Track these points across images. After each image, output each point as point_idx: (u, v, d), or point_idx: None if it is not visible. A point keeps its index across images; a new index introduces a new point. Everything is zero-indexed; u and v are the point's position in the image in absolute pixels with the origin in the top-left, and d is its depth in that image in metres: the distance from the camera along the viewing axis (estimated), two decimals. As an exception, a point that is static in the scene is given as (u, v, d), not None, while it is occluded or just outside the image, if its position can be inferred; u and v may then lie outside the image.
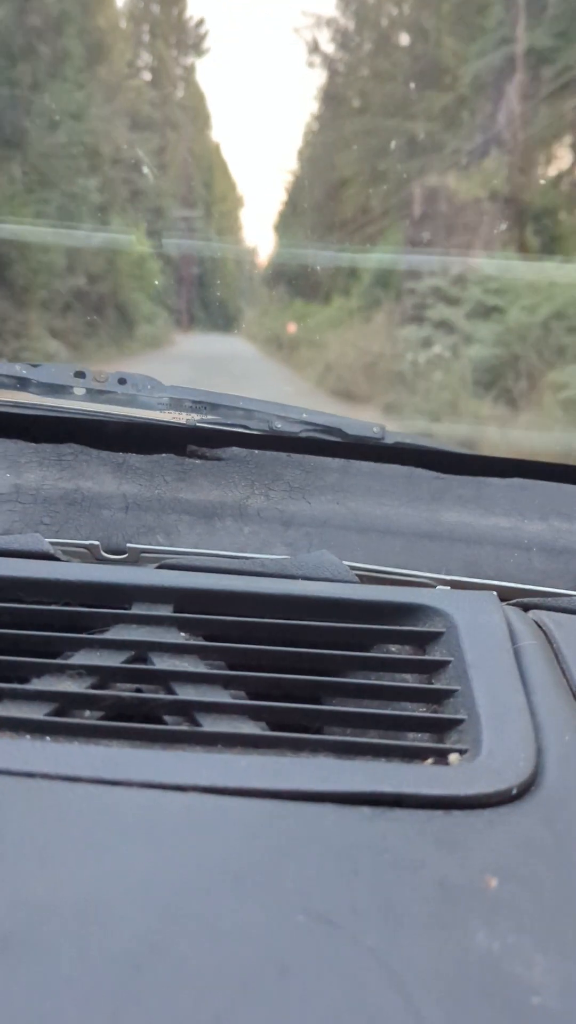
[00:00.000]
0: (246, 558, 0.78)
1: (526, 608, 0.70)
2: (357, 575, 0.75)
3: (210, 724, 0.52)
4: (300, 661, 0.60)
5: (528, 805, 0.45)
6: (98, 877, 0.38)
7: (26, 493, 0.84)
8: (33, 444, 0.88)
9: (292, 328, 13.31)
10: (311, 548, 0.82)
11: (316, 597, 0.66)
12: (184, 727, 0.52)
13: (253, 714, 0.54)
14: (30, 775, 0.44)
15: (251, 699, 0.56)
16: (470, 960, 0.35)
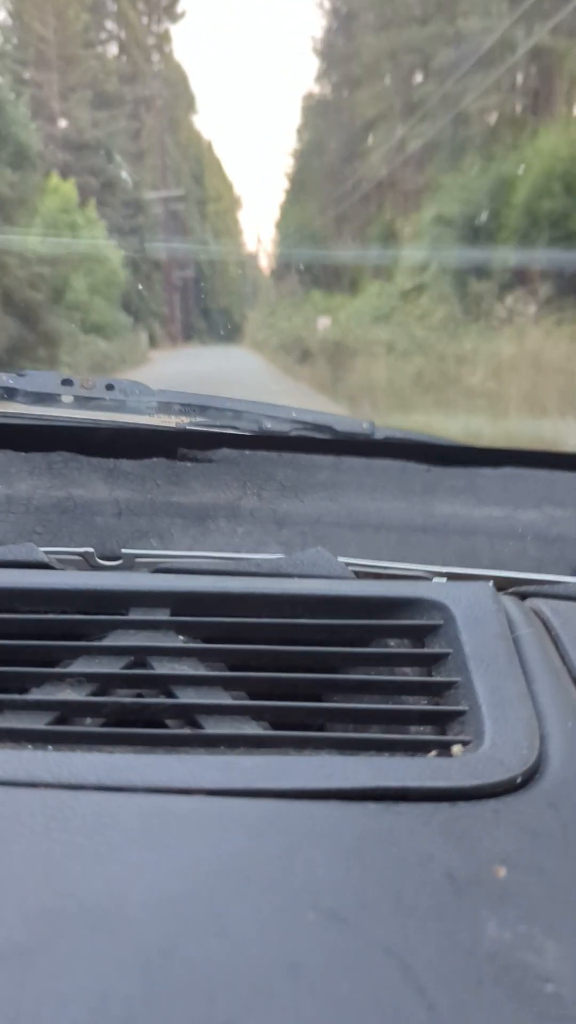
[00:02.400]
0: (241, 559, 0.78)
1: (523, 597, 0.70)
2: (353, 571, 0.75)
3: (212, 726, 0.52)
4: (299, 659, 0.60)
5: (533, 793, 0.45)
6: (106, 884, 0.38)
7: (18, 503, 0.84)
8: (23, 453, 0.88)
9: (325, 325, 10.68)
10: (305, 546, 0.82)
11: (313, 595, 0.66)
12: (186, 730, 0.52)
13: (255, 714, 0.54)
14: (33, 785, 0.44)
15: (252, 699, 0.56)
16: (482, 950, 0.35)
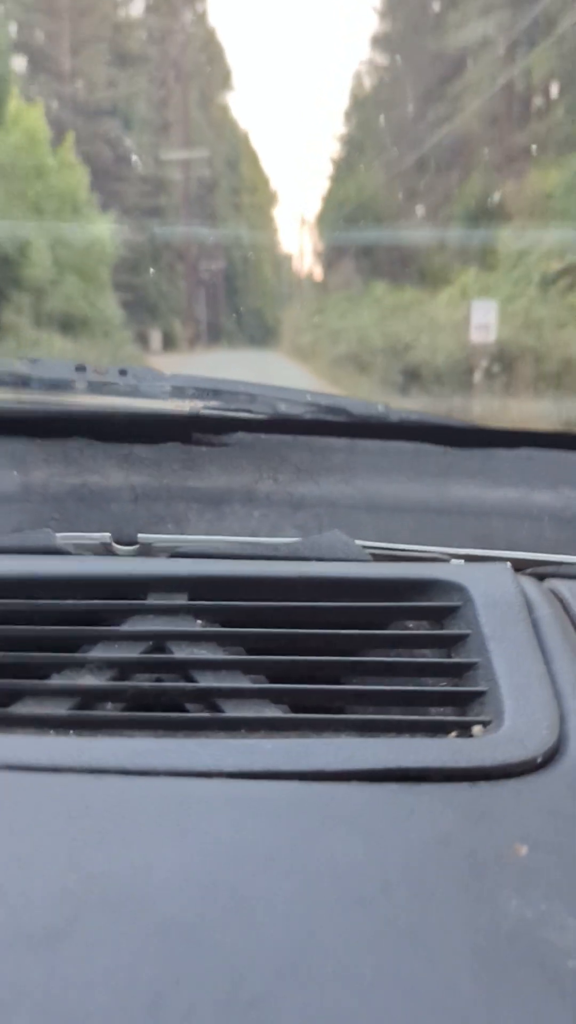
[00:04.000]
0: (258, 542, 0.78)
1: (541, 578, 0.70)
2: (370, 554, 0.75)
3: (232, 710, 0.53)
4: (318, 642, 0.60)
5: (553, 773, 0.45)
6: (129, 867, 0.39)
7: (34, 490, 0.84)
8: (38, 441, 0.88)
9: (487, 318, 5.66)
10: (322, 529, 0.82)
11: (330, 577, 0.66)
12: (206, 714, 0.53)
13: (274, 697, 0.54)
14: (56, 770, 0.45)
15: (271, 683, 0.56)
16: (503, 929, 0.36)
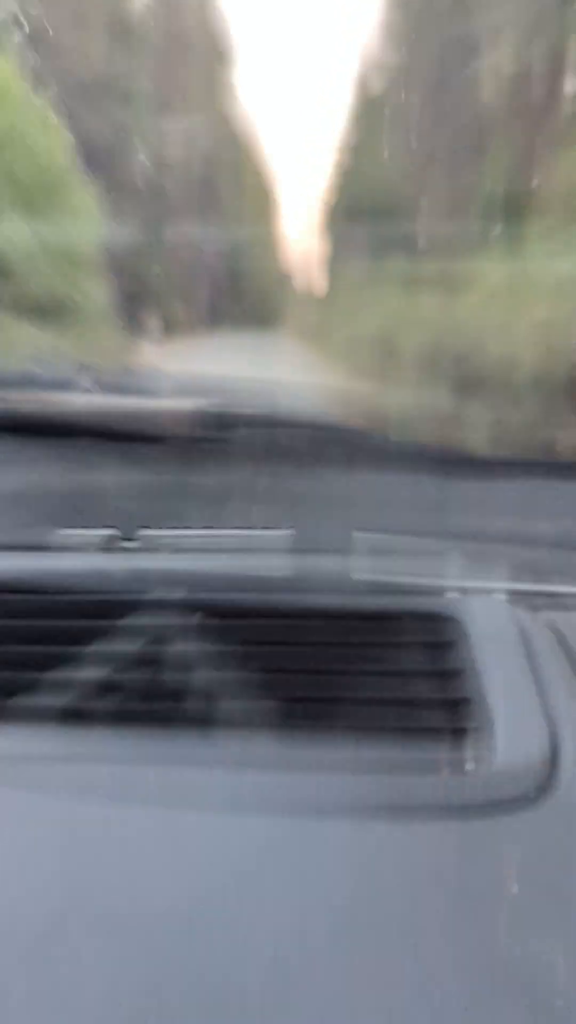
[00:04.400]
0: (257, 537, 0.79)
1: (537, 609, 0.70)
2: (367, 547, 0.75)
3: (229, 705, 0.53)
4: (315, 636, 0.61)
5: (546, 809, 0.45)
6: (123, 859, 0.39)
7: (37, 488, 0.85)
8: (40, 439, 0.89)
9: None
10: (320, 524, 0.83)
11: (326, 608, 0.65)
12: (203, 709, 0.53)
13: (271, 693, 0.55)
14: (53, 761, 0.46)
15: (268, 678, 0.57)
16: (494, 966, 0.36)
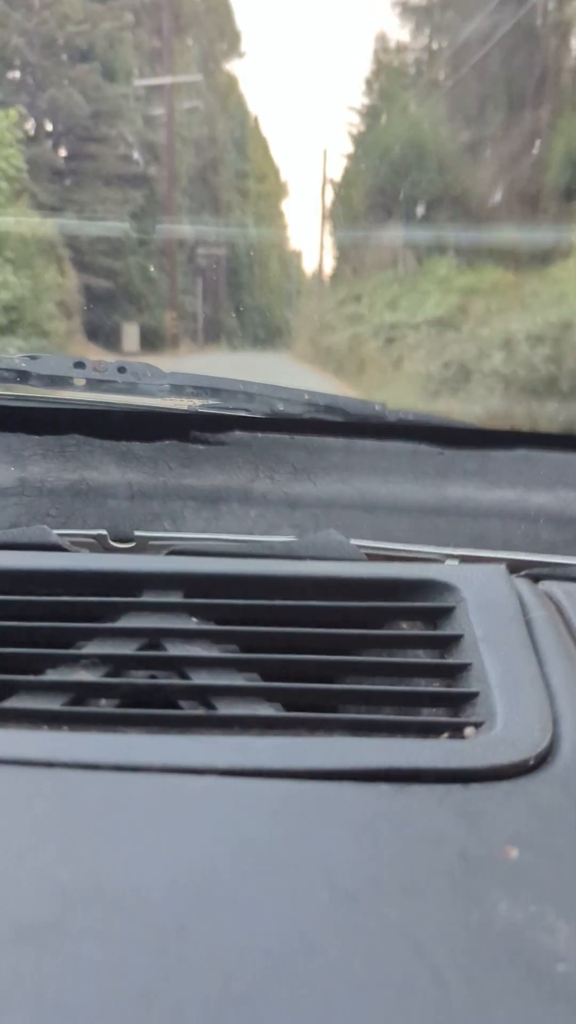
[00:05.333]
0: (253, 541, 0.78)
1: (536, 579, 0.70)
2: (365, 554, 0.75)
3: (225, 707, 0.53)
4: (312, 641, 0.60)
5: (546, 775, 0.45)
6: (122, 862, 0.39)
7: (31, 486, 0.84)
8: (36, 436, 0.88)
9: None
10: (318, 528, 0.83)
11: (324, 576, 0.66)
12: (200, 711, 0.53)
13: (267, 696, 0.54)
14: (50, 765, 0.45)
15: (265, 681, 0.57)
16: (494, 930, 0.36)
